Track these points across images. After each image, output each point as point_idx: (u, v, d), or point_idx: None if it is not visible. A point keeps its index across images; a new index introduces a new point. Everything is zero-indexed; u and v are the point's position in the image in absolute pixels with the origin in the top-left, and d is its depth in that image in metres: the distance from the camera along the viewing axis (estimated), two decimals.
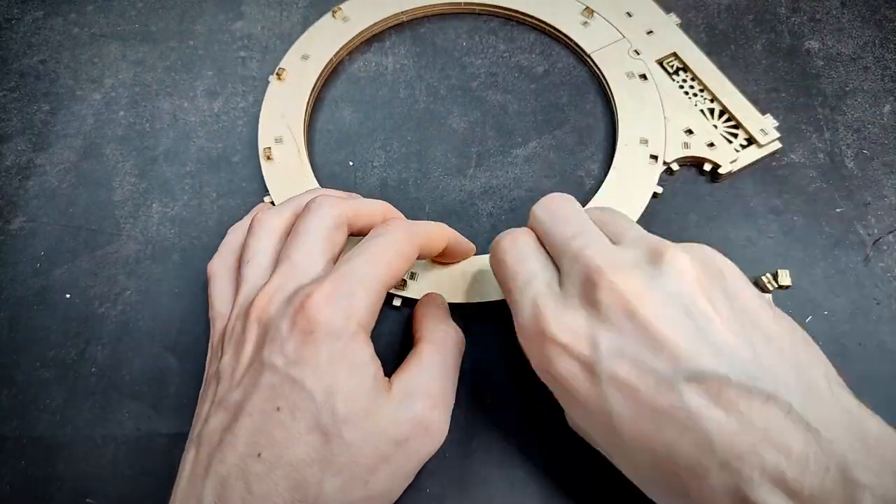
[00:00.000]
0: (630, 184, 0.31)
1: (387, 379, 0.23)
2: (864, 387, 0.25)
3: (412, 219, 0.30)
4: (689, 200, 0.32)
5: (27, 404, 0.28)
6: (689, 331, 0.19)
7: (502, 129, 0.35)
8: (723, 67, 0.35)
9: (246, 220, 0.29)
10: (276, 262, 0.24)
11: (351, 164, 0.34)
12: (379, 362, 0.22)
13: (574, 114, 0.35)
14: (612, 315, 0.20)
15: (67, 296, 0.30)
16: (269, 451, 0.20)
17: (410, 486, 0.25)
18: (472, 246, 0.29)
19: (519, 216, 0.32)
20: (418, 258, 0.25)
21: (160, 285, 0.31)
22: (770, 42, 0.37)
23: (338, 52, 0.37)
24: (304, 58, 0.36)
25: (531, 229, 0.25)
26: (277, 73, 0.36)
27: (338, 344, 0.21)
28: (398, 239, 0.24)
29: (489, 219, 0.32)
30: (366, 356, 0.22)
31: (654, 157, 0.32)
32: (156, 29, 0.40)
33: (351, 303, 0.21)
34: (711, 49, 0.37)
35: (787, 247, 0.30)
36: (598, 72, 0.36)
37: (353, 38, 0.37)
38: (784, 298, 0.29)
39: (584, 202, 0.31)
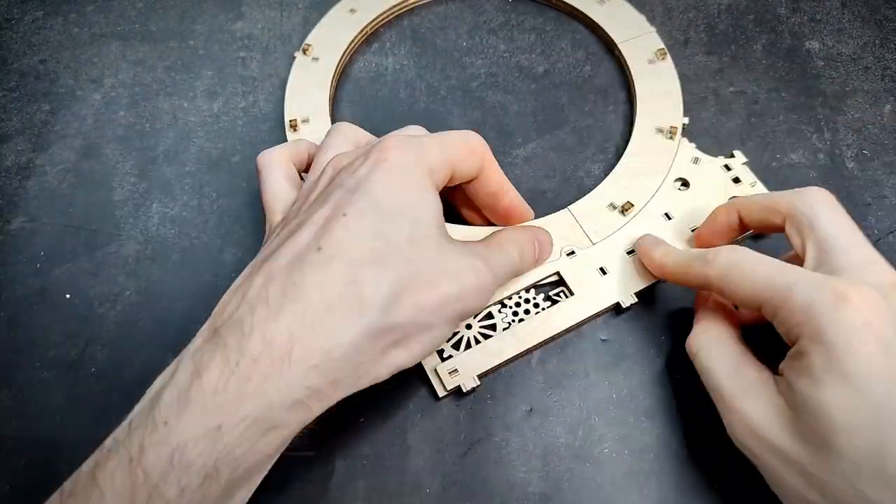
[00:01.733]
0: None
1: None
2: None
3: None
4: None
5: (27, 404, 0.28)
6: None
7: (502, 129, 0.35)
8: (723, 67, 0.35)
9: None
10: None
11: None
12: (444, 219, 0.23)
13: (574, 114, 0.35)
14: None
15: (67, 296, 0.30)
16: (330, 247, 0.20)
17: (410, 486, 0.25)
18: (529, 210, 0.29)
19: None
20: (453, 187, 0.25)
21: (160, 286, 0.31)
22: (770, 42, 0.37)
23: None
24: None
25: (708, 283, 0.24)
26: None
27: (409, 174, 0.22)
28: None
29: None
30: (435, 197, 0.23)
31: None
32: (156, 29, 0.40)
33: (422, 148, 0.23)
34: (711, 49, 0.37)
35: (787, 246, 0.30)
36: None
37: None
38: None
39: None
